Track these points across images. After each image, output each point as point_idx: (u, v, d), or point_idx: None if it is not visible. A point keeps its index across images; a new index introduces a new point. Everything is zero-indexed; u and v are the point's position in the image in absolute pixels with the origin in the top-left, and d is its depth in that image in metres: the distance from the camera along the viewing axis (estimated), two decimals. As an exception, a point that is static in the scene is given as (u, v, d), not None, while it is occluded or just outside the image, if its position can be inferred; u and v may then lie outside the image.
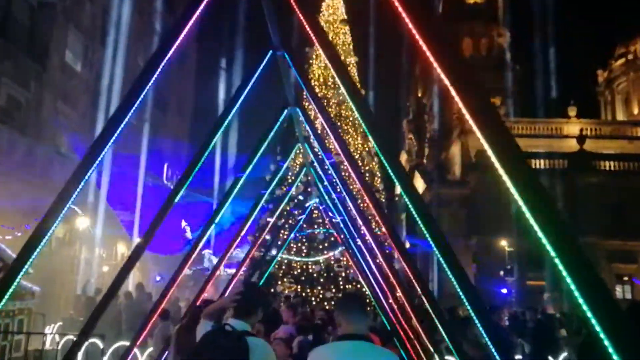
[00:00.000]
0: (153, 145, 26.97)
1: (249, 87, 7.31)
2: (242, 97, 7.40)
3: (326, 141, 11.41)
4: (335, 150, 12.87)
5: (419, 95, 56.25)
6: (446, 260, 4.00)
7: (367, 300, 15.71)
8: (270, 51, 6.78)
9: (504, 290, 29.00)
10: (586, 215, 31.74)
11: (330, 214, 14.95)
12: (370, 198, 7.82)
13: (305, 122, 9.39)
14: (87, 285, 17.71)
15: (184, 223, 29.55)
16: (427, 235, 4.22)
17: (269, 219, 16.76)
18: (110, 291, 6.28)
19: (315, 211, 18.97)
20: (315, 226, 19.51)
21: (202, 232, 9.08)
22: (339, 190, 11.61)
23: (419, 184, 41.48)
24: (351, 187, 13.14)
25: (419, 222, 4.37)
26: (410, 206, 4.48)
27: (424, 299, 5.78)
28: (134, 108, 4.92)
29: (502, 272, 29.21)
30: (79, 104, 21.17)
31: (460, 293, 3.79)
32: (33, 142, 17.88)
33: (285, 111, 8.86)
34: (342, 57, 22.03)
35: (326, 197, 13.17)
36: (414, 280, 5.83)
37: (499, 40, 51.39)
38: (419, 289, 5.84)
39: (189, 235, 28.81)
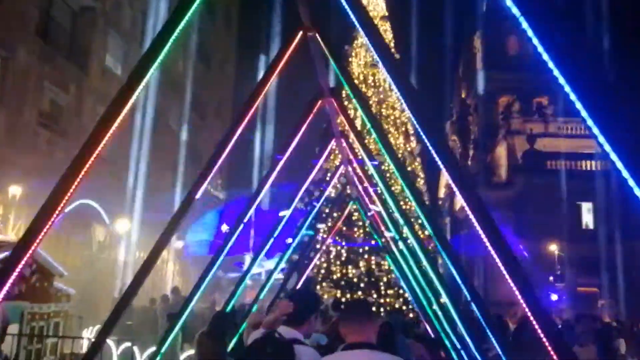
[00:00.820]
0: (192, 150, 27.01)
1: (277, 71, 6.64)
2: (270, 82, 6.93)
3: (365, 138, 10.83)
4: (376, 150, 12.34)
5: (463, 96, 55.08)
6: (507, 267, 3.72)
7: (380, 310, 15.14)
8: (301, 32, 6.12)
9: (554, 297, 27.75)
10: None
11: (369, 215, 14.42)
12: (415, 198, 7.33)
13: (342, 114, 8.85)
14: (124, 289, 17.65)
15: (225, 227, 29.46)
16: (486, 239, 3.89)
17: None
18: (128, 292, 5.91)
19: (355, 213, 18.43)
20: (355, 229, 19.00)
21: (234, 228, 8.65)
22: (379, 191, 11.10)
23: (463, 187, 40.32)
24: (393, 187, 12.57)
25: (475, 223, 4.01)
26: (464, 204, 4.12)
27: (473, 306, 5.48)
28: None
29: (551, 278, 27.99)
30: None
31: (524, 305, 3.58)
32: (72, 146, 18.00)
33: (319, 102, 8.16)
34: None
35: (365, 197, 12.63)
36: (462, 285, 5.55)
37: (546, 37, 49.92)
38: (467, 295, 5.52)
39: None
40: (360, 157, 11.31)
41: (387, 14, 21.53)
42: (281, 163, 8.58)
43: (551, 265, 29.56)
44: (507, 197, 34.46)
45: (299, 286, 14.66)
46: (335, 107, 8.47)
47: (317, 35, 6.11)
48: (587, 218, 34.68)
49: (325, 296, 18.59)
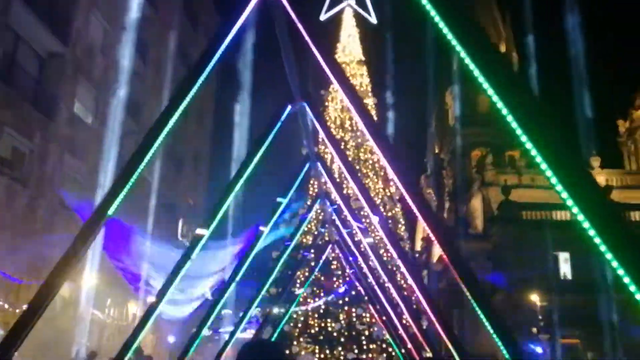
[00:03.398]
0: (166, 200, 26.17)
1: (267, 143, 6.95)
2: (261, 153, 7.06)
3: (345, 189, 10.82)
4: (354, 196, 12.03)
5: (436, 150, 55.79)
6: (490, 320, 3.95)
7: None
8: (289, 105, 6.55)
9: (539, 349, 26.97)
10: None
11: (350, 264, 13.81)
12: (394, 248, 7.38)
13: (327, 176, 8.80)
14: (80, 350, 16.39)
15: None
16: (466, 291, 4.19)
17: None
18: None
19: (334, 262, 17.70)
20: (335, 279, 18.18)
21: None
22: (362, 248, 10.88)
23: (440, 239, 40.04)
24: (373, 234, 12.20)
25: (455, 273, 4.31)
26: (443, 255, 4.48)
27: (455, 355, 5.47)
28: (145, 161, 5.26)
29: (534, 330, 27.30)
30: (89, 157, 20.53)
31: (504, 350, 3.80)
32: (35, 195, 17.12)
33: (307, 165, 8.92)
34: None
35: (346, 247, 12.18)
36: (444, 337, 5.55)
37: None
38: (451, 347, 5.52)
39: (208, 296, 27.24)
40: (344, 216, 10.96)
41: (363, 58, 21.60)
42: (264, 234, 8.40)
43: (533, 316, 28.91)
44: (483, 248, 34.18)
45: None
46: (320, 170, 8.54)
47: (306, 106, 6.22)
48: (565, 268, 34.50)
49: (303, 352, 17.55)
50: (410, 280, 6.76)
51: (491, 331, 3.97)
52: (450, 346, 5.29)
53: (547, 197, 37.50)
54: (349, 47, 21.36)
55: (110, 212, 5.33)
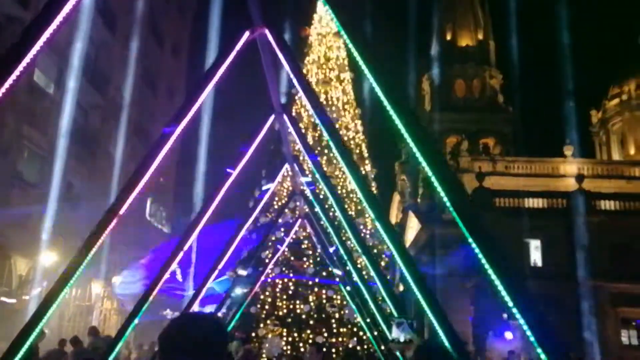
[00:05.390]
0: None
1: (217, 75, 6.48)
2: (210, 86, 6.49)
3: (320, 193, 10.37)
4: (330, 172, 11.46)
5: (411, 136, 55.72)
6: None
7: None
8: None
9: (509, 335, 26.96)
10: (587, 257, 30.34)
11: (321, 242, 13.29)
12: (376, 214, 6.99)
13: (294, 130, 8.07)
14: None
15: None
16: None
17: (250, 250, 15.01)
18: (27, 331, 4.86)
19: (305, 241, 17.13)
20: (305, 259, 17.60)
21: (171, 257, 7.86)
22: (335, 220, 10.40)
23: (414, 224, 39.98)
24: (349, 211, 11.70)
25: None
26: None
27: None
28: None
29: (505, 315, 27.29)
30: (49, 128, 19.53)
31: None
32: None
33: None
34: (337, 73, 20.73)
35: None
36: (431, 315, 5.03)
37: (491, 82, 51.74)
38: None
39: (179, 277, 26.25)
40: (311, 179, 10.39)
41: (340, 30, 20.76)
42: (232, 177, 7.69)
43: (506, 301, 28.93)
44: (458, 233, 33.99)
45: (233, 323, 13.20)
46: (287, 124, 7.78)
47: (267, 33, 5.23)
48: (535, 255, 34.69)
49: (270, 335, 17.02)
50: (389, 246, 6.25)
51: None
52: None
53: (520, 185, 37.82)
54: (326, 18, 20.67)
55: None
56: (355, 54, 3.84)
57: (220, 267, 10.49)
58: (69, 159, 19.26)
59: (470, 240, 3.26)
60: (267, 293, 17.45)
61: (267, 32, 4.86)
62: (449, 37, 52.15)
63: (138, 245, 24.37)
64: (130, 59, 23.43)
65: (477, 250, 3.21)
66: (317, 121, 6.18)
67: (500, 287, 3.08)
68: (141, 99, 26.32)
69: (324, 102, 18.18)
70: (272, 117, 7.12)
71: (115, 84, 24.00)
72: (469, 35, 52.10)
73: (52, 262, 18.66)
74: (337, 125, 17.71)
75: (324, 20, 20.91)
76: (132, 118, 24.63)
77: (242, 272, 14.50)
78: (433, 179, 3.48)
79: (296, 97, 16.92)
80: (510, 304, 3.17)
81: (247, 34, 4.87)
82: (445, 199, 3.42)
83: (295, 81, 4.70)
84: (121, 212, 5.82)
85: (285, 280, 17.33)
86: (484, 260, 3.26)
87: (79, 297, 23.60)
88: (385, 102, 3.72)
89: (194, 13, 36.13)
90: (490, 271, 3.24)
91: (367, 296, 9.94)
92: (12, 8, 17.44)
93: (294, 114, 17.77)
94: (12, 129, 17.66)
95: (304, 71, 18.77)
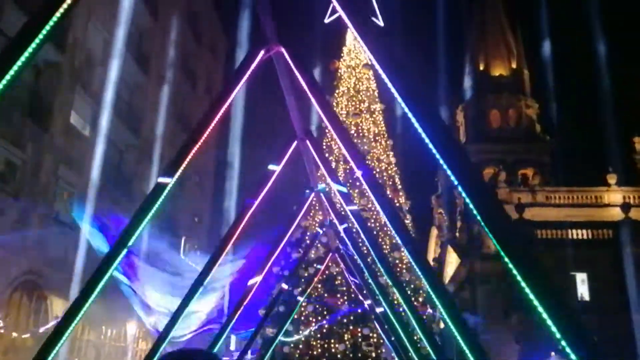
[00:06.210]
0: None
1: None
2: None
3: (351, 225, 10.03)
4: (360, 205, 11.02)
5: (447, 168, 54.87)
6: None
7: None
8: (263, 51, 5.88)
9: (559, 374, 25.58)
10: (638, 288, 28.92)
11: (354, 277, 12.81)
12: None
13: (317, 157, 7.73)
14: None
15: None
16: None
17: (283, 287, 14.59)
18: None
19: (339, 277, 16.63)
20: (339, 295, 17.07)
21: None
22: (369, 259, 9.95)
23: (452, 259, 38.94)
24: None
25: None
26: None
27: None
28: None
29: (553, 353, 25.98)
30: (84, 169, 19.79)
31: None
32: (28, 207, 16.36)
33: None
34: (367, 104, 20.48)
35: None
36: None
37: (527, 111, 50.67)
38: None
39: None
40: (341, 210, 10.04)
41: (369, 62, 20.68)
42: (253, 208, 7.37)
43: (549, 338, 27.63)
44: (498, 268, 32.93)
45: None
46: (311, 151, 7.42)
47: (283, 51, 5.01)
48: (582, 289, 33.26)
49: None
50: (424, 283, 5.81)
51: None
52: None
53: (562, 216, 36.55)
54: (355, 50, 20.63)
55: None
56: (388, 83, 3.58)
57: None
58: (104, 199, 19.42)
59: (514, 273, 2.85)
60: (300, 332, 16.95)
61: (283, 50, 4.62)
62: (482, 67, 51.63)
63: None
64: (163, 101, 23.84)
65: (522, 284, 2.81)
66: (343, 151, 5.83)
67: (550, 322, 2.78)
68: (174, 139, 26.63)
69: (354, 134, 17.96)
70: (295, 143, 6.80)
71: (148, 124, 24.37)
72: (502, 64, 51.50)
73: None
74: (368, 157, 17.49)
75: (352, 52, 20.89)
76: (166, 157, 24.87)
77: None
78: (474, 211, 3.16)
79: (327, 130, 16.72)
80: (562, 341, 2.85)
81: (262, 52, 4.66)
82: (486, 229, 3.03)
83: (313, 101, 4.39)
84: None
85: (319, 318, 16.83)
86: (531, 296, 2.81)
87: (114, 337, 23.50)
88: (420, 130, 3.55)
89: (225, 54, 36.84)
90: (538, 306, 2.78)
91: (402, 335, 9.40)
92: (49, 53, 17.92)
93: (324, 146, 17.60)
94: (48, 170, 17.95)
95: (334, 104, 18.71)
